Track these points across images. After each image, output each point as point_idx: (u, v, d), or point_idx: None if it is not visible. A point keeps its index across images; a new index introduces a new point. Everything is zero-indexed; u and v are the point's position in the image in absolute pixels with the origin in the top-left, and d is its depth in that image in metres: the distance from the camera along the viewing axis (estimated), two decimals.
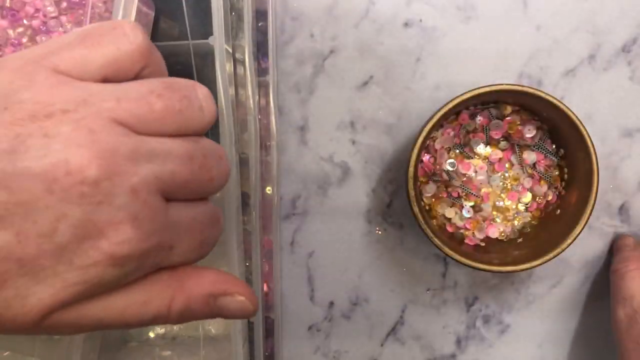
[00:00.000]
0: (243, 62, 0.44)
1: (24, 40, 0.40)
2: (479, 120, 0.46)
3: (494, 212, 0.47)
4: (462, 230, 0.47)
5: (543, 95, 0.41)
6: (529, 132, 0.45)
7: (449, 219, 0.47)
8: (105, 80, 0.22)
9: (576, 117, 0.42)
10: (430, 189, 0.46)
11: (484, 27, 0.48)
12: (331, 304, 0.50)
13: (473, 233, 0.47)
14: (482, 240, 0.47)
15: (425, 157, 0.47)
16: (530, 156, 0.46)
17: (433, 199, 0.47)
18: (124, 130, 0.21)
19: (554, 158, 0.46)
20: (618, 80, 0.48)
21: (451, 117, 0.46)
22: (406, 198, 0.44)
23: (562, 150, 0.45)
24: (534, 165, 0.46)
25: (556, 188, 0.46)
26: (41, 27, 0.40)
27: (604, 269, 0.49)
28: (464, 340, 0.50)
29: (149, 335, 0.45)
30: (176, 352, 0.45)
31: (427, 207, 0.47)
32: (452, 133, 0.46)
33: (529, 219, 0.47)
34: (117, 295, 0.22)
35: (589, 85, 0.48)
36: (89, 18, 0.39)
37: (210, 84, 0.43)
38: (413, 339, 0.50)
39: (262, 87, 0.46)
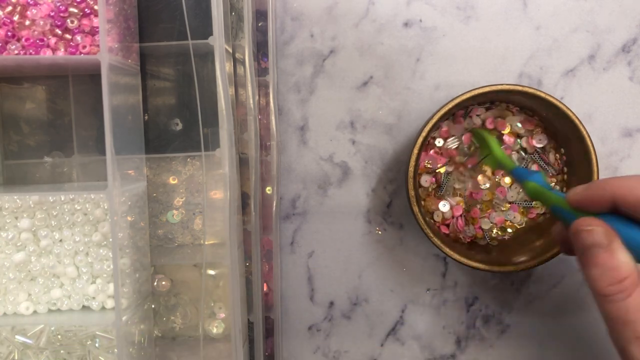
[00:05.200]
0: (243, 62, 0.44)
1: (15, 18, 0.40)
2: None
3: (495, 212, 0.47)
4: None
5: (543, 95, 0.41)
6: (540, 143, 0.45)
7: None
8: None
9: (576, 117, 0.42)
10: (425, 181, 0.46)
11: (484, 27, 0.48)
12: (331, 304, 0.50)
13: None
14: (482, 240, 0.47)
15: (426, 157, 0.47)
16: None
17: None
18: None
19: (552, 171, 0.46)
20: (618, 80, 0.48)
21: (450, 117, 0.46)
22: (406, 198, 0.44)
23: (562, 150, 0.45)
24: (534, 159, 0.46)
25: (556, 188, 0.46)
26: (29, 1, 0.40)
27: None
28: (464, 340, 0.50)
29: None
30: (176, 352, 0.45)
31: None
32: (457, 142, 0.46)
33: (529, 219, 0.47)
34: None
35: (589, 85, 0.48)
36: None
37: (210, 84, 0.43)
38: (413, 339, 0.50)
39: (262, 87, 0.46)
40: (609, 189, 0.31)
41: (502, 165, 0.41)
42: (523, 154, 0.46)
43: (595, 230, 0.31)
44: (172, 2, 0.43)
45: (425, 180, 0.46)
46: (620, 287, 0.30)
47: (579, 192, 0.33)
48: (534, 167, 0.46)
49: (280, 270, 0.49)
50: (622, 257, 0.30)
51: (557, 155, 0.45)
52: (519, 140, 0.46)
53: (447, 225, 0.47)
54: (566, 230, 0.34)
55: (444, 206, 0.46)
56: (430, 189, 0.46)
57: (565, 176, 0.45)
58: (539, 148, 0.46)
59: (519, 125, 0.46)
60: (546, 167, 0.46)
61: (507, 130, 0.46)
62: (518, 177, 0.39)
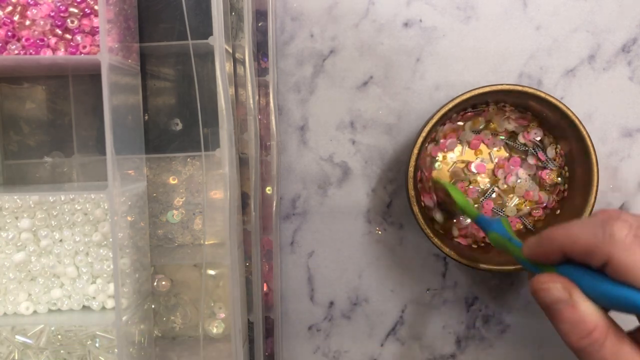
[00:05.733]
0: (243, 62, 0.44)
1: (16, 18, 0.40)
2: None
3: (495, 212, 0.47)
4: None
5: (543, 95, 0.41)
6: (536, 135, 0.45)
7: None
8: None
9: (576, 117, 0.42)
10: (439, 217, 0.46)
11: (484, 27, 0.48)
12: (331, 304, 0.50)
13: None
14: (482, 240, 0.47)
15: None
16: (530, 159, 0.46)
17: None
18: None
19: (554, 165, 0.46)
20: (618, 80, 0.48)
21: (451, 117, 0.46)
22: (406, 198, 0.44)
23: (562, 151, 0.45)
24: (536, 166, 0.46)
25: (557, 190, 0.46)
26: (29, 1, 0.40)
27: None
28: (464, 340, 0.50)
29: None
30: (176, 352, 0.45)
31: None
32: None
33: (529, 219, 0.47)
34: None
35: (589, 85, 0.48)
36: None
37: (210, 84, 0.43)
38: (413, 339, 0.50)
39: (262, 87, 0.46)
40: (556, 242, 0.31)
41: (466, 213, 0.41)
42: (524, 147, 0.46)
43: (552, 287, 0.31)
44: (172, 2, 0.43)
45: (429, 199, 0.46)
46: (591, 340, 0.30)
47: (531, 245, 0.33)
48: (532, 161, 0.46)
49: (280, 270, 0.49)
50: (586, 309, 0.30)
51: (557, 148, 0.45)
52: (518, 139, 0.46)
53: (465, 236, 0.46)
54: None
55: (465, 220, 0.46)
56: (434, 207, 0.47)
57: (567, 174, 0.45)
58: (537, 142, 0.46)
59: (512, 125, 0.46)
60: (547, 162, 0.46)
61: (498, 151, 0.46)
62: (481, 226, 0.40)
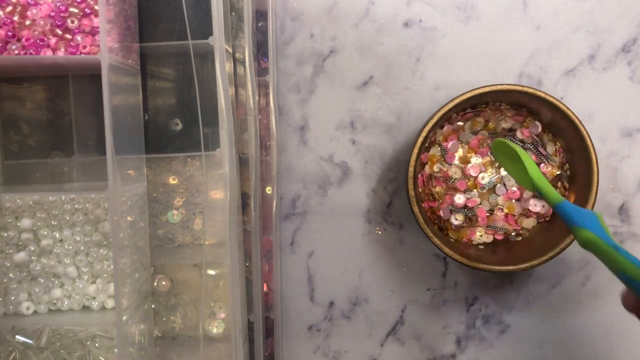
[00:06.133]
0: (243, 62, 0.44)
1: (15, 18, 0.40)
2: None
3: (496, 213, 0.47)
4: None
5: (543, 95, 0.41)
6: (535, 129, 0.45)
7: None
8: None
9: (576, 117, 0.42)
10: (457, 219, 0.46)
11: (484, 27, 0.48)
12: (331, 304, 0.50)
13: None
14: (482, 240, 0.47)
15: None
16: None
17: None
18: None
19: (553, 161, 0.46)
20: (618, 80, 0.48)
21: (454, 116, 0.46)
22: (406, 198, 0.44)
23: (561, 148, 0.45)
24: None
25: (556, 188, 0.46)
26: (29, 1, 0.40)
27: (604, 269, 0.49)
28: (464, 340, 0.50)
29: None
30: (176, 352, 0.45)
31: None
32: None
33: (530, 219, 0.47)
34: None
35: (589, 85, 0.48)
36: None
37: (210, 84, 0.43)
38: (413, 339, 0.50)
39: (262, 87, 0.46)
40: None
41: (542, 193, 0.32)
42: (522, 144, 0.46)
43: None
44: (172, 2, 0.43)
45: (456, 218, 0.46)
46: None
47: None
48: (532, 158, 0.46)
49: (280, 270, 0.49)
50: None
51: (557, 146, 0.45)
52: (516, 135, 0.46)
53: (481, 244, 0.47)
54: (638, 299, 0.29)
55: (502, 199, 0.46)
56: (463, 224, 0.47)
57: (568, 172, 0.45)
58: (536, 137, 0.46)
59: (509, 123, 0.46)
60: (547, 157, 0.45)
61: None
62: (565, 216, 0.30)
